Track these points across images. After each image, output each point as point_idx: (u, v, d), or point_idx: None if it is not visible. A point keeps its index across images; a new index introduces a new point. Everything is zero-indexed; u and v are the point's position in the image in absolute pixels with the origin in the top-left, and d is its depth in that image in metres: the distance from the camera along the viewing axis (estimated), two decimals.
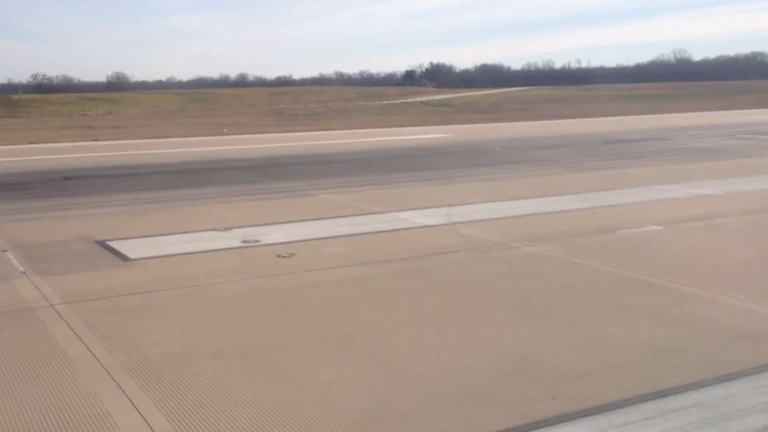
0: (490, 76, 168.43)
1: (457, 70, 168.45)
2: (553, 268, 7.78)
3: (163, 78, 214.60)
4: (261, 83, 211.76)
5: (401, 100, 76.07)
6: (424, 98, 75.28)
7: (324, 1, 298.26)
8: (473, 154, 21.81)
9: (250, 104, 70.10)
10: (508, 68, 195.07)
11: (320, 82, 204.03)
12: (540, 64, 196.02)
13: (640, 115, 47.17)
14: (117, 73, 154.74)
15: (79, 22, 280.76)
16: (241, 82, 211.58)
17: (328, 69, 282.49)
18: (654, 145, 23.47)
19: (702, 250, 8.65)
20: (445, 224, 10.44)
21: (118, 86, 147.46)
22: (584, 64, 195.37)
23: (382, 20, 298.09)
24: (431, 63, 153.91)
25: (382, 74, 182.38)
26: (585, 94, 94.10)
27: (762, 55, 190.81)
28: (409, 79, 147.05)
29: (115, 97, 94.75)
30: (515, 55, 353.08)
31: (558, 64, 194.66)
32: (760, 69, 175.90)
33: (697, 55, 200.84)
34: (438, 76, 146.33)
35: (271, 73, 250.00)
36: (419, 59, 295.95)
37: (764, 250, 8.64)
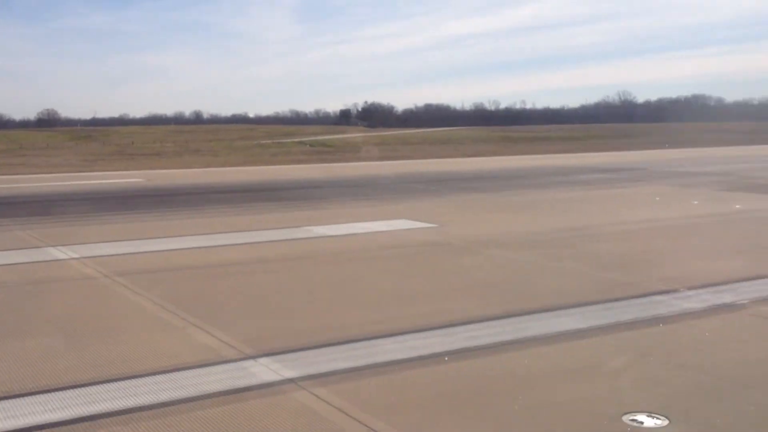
0: (437, 116, 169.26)
1: (400, 110, 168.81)
2: None
3: (116, 114, 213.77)
4: (215, 120, 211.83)
5: (288, 140, 75.03)
6: (309, 138, 74.17)
7: (288, 42, 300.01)
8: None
9: (115, 143, 68.56)
10: (454, 108, 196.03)
11: (275, 120, 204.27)
12: (486, 105, 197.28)
13: (501, 155, 45.77)
14: (48, 109, 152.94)
15: (51, 61, 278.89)
16: (195, 120, 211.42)
17: (284, 107, 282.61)
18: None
19: None
20: None
21: (48, 123, 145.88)
22: (529, 106, 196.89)
23: (348, 61, 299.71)
24: (366, 102, 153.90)
25: (338, 112, 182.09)
26: (494, 135, 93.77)
27: (703, 97, 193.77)
28: (345, 118, 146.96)
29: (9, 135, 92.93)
30: (467, 96, 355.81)
31: (503, 105, 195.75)
32: (703, 111, 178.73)
33: (641, 98, 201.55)
34: (374, 116, 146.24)
35: (227, 111, 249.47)
36: (372, 99, 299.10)
37: None
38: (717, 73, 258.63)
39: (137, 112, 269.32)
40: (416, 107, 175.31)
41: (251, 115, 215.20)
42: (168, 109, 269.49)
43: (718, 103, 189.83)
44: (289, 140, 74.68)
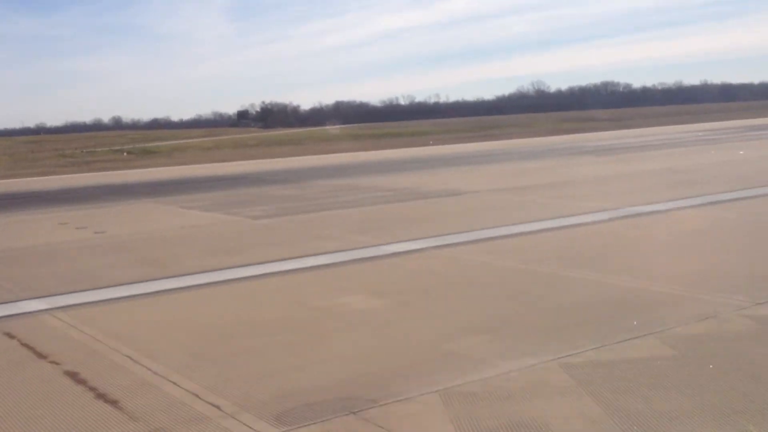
0: (348, 113, 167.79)
1: (307, 108, 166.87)
2: None
3: (31, 124, 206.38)
4: (135, 126, 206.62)
5: (103, 149, 72.30)
6: (129, 147, 71.48)
7: (219, 42, 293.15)
8: None
9: None
10: (367, 104, 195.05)
11: (194, 123, 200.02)
12: (401, 100, 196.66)
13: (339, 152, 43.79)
14: None
15: None
16: (114, 126, 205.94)
17: (208, 109, 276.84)
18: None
19: None
20: None
21: None
22: (443, 99, 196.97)
23: (279, 60, 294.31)
24: (263, 102, 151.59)
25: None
26: (365, 132, 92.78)
27: (612, 84, 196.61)
28: (242, 118, 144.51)
29: None
30: (386, 93, 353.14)
31: (418, 99, 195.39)
32: (611, 97, 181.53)
33: (554, 87, 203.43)
34: (273, 115, 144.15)
35: (150, 115, 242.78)
36: (295, 97, 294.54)
37: None
38: (625, 59, 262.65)
39: (54, 120, 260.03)
40: (323, 105, 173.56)
41: (174, 118, 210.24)
42: (87, 116, 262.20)
43: (626, 89, 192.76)
44: (104, 149, 72.10)
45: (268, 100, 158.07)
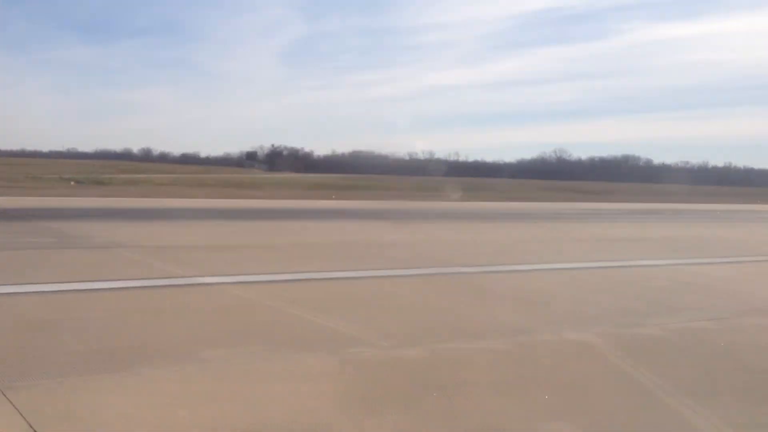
0: (366, 164, 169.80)
1: (319, 155, 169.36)
2: None
3: (63, 148, 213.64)
4: (162, 159, 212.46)
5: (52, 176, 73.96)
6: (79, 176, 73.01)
7: (269, 83, 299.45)
8: None
9: None
10: (387, 156, 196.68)
11: (223, 161, 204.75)
12: (420, 155, 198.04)
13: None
14: None
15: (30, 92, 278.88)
16: (142, 157, 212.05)
17: (237, 148, 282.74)
18: None
19: None
20: None
21: None
22: (462, 158, 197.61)
23: (322, 106, 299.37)
24: (272, 145, 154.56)
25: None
26: (343, 182, 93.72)
27: (634, 158, 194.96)
28: (249, 159, 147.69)
29: None
30: (407, 147, 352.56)
31: (438, 156, 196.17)
32: (632, 171, 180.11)
33: (575, 156, 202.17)
34: (280, 159, 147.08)
35: (180, 149, 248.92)
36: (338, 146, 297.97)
37: None
38: (650, 137, 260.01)
39: (87, 146, 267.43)
40: (338, 153, 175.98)
41: (203, 154, 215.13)
42: (118, 145, 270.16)
43: (647, 164, 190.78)
44: (53, 176, 73.74)
45: (279, 143, 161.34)
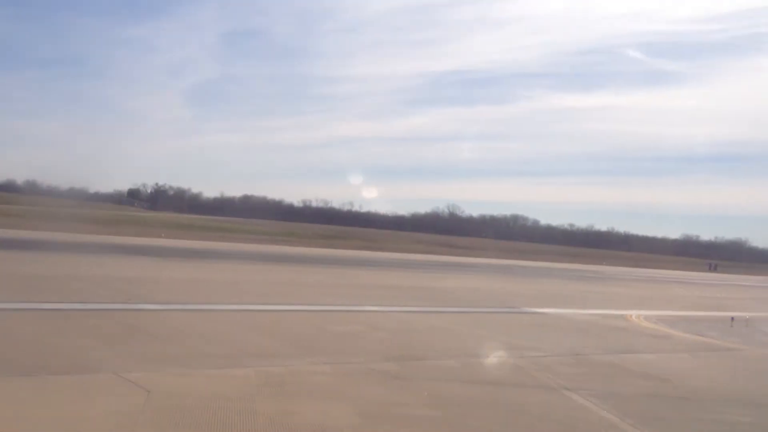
0: (258, 207, 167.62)
1: (208, 197, 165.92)
2: None
3: None
4: (48, 192, 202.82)
5: None
6: None
7: (175, 124, 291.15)
8: None
9: None
10: (280, 202, 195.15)
11: (110, 197, 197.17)
12: (314, 203, 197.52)
13: None
14: None
15: None
16: (26, 189, 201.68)
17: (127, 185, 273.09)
18: None
19: None
20: None
21: None
22: (355, 208, 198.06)
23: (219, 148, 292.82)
24: (156, 184, 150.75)
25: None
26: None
27: (522, 218, 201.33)
28: (131, 197, 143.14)
29: None
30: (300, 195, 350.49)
31: (333, 205, 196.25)
32: (521, 230, 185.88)
33: (469, 213, 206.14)
34: (164, 198, 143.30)
35: (67, 184, 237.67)
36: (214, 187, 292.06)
37: None
38: (542, 199, 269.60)
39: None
40: (228, 197, 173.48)
41: (92, 190, 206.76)
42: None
43: (534, 224, 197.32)
44: None
45: (169, 183, 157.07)
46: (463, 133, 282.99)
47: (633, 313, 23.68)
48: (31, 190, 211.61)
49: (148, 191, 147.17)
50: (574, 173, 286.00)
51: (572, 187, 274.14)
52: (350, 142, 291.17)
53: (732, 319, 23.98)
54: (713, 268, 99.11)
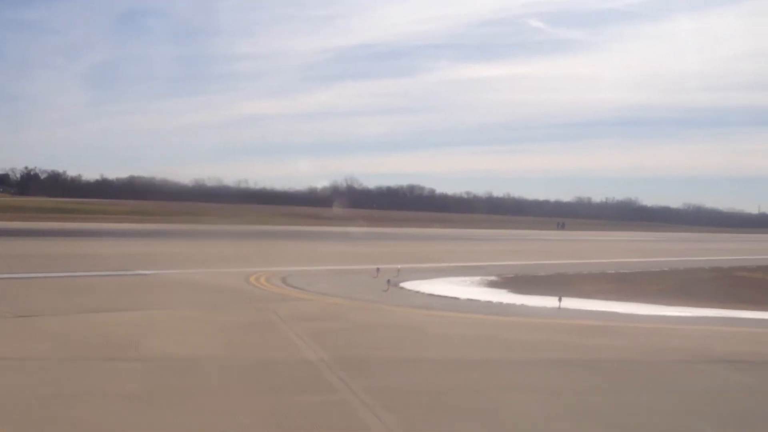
0: (147, 189, 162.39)
1: (88, 179, 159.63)
2: None
3: None
4: None
5: None
6: None
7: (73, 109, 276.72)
8: None
9: None
10: (171, 182, 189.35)
11: None
12: (207, 182, 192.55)
13: None
14: None
15: None
16: None
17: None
18: None
19: None
20: None
21: None
22: (251, 185, 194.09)
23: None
24: (26, 168, 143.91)
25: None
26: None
27: (419, 188, 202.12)
28: (1, 183, 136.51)
29: None
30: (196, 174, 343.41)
31: (227, 182, 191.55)
32: (419, 200, 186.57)
33: (366, 185, 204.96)
34: (36, 183, 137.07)
35: None
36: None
37: None
38: (443, 169, 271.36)
39: None
40: (114, 178, 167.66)
41: None
42: None
43: (429, 193, 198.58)
44: None
45: (33, 166, 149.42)
46: (368, 107, 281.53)
47: (273, 270, 22.89)
48: None
49: (17, 176, 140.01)
50: (475, 143, 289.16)
51: (472, 156, 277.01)
52: (255, 120, 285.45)
53: (377, 270, 23.27)
54: (561, 227, 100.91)
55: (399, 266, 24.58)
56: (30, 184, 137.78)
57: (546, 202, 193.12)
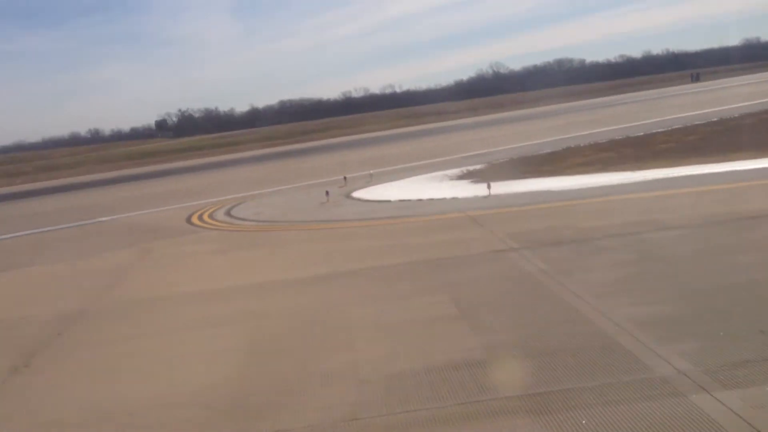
0: (296, 111, 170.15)
1: (241, 111, 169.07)
2: None
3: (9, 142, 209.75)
4: (115, 137, 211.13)
5: None
6: None
7: (226, 43, 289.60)
8: None
9: None
10: (319, 100, 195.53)
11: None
12: (354, 93, 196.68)
13: None
14: None
15: None
16: (92, 139, 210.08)
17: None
18: None
19: None
20: None
21: None
22: (396, 90, 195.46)
23: (286, 56, 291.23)
24: (179, 110, 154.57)
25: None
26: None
27: (568, 60, 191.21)
28: (160, 129, 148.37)
29: None
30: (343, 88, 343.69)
31: (373, 91, 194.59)
32: (566, 74, 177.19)
33: (514, 67, 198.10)
34: (192, 123, 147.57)
35: (137, 123, 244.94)
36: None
37: None
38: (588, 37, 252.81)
39: (33, 136, 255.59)
40: (266, 106, 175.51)
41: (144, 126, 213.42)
42: (65, 130, 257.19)
43: (580, 64, 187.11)
44: None
45: (186, 107, 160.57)
46: None
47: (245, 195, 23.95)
48: (95, 138, 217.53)
49: (174, 120, 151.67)
50: (627, 2, 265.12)
51: (623, 19, 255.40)
52: (402, 22, 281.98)
53: (345, 179, 23.80)
54: (695, 79, 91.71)
55: (372, 171, 24.97)
56: (186, 125, 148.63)
57: (710, 51, 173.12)
